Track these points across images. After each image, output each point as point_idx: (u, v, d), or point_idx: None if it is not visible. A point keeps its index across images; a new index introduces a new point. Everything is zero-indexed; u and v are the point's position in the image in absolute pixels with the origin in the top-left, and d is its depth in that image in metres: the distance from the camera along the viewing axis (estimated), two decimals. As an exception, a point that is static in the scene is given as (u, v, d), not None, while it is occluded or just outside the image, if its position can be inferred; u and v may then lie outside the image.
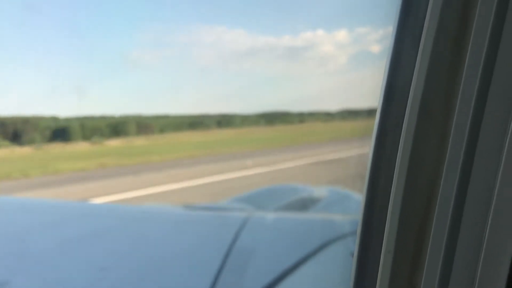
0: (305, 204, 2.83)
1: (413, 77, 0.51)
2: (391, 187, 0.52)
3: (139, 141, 17.74)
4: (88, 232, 2.24)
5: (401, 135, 0.51)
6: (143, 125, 19.54)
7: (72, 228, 2.30)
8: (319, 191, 3.15)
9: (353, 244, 1.72)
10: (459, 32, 0.48)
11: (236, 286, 1.60)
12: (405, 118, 0.52)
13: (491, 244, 0.46)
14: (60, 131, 17.88)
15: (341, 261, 1.70)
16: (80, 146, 16.91)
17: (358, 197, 2.61)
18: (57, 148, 16.63)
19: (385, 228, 0.53)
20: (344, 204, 2.70)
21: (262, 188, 3.58)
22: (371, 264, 0.55)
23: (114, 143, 17.66)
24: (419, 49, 0.50)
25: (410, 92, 0.51)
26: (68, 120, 19.07)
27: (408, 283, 0.53)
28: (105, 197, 7.96)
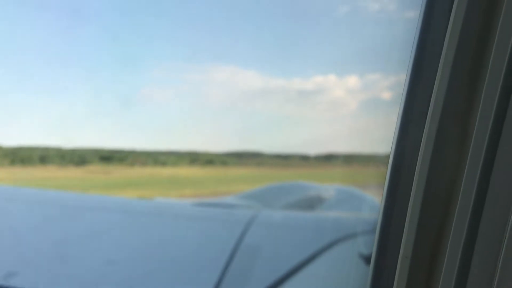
0: (312, 202, 2.82)
1: (432, 93, 0.51)
2: (410, 193, 0.52)
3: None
4: (97, 225, 2.25)
5: (421, 143, 0.51)
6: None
7: (81, 221, 2.32)
8: (327, 189, 3.13)
9: (362, 244, 1.71)
10: (475, 64, 0.49)
11: (242, 283, 1.60)
12: (426, 124, 0.52)
13: (509, 252, 0.46)
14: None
15: (349, 260, 1.69)
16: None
17: (367, 196, 2.59)
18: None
19: (403, 234, 0.53)
20: (352, 203, 2.68)
21: (269, 185, 3.57)
22: (387, 269, 0.55)
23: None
24: (436, 80, 0.50)
25: (431, 100, 0.51)
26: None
27: None
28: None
